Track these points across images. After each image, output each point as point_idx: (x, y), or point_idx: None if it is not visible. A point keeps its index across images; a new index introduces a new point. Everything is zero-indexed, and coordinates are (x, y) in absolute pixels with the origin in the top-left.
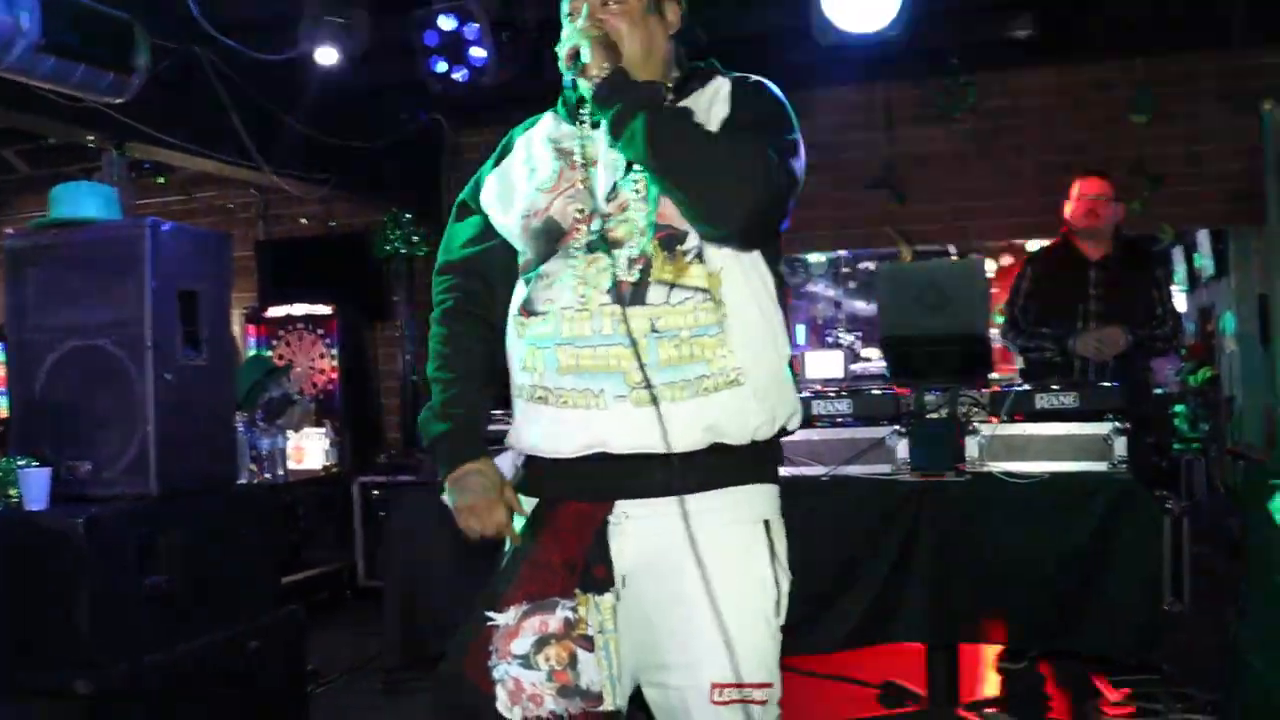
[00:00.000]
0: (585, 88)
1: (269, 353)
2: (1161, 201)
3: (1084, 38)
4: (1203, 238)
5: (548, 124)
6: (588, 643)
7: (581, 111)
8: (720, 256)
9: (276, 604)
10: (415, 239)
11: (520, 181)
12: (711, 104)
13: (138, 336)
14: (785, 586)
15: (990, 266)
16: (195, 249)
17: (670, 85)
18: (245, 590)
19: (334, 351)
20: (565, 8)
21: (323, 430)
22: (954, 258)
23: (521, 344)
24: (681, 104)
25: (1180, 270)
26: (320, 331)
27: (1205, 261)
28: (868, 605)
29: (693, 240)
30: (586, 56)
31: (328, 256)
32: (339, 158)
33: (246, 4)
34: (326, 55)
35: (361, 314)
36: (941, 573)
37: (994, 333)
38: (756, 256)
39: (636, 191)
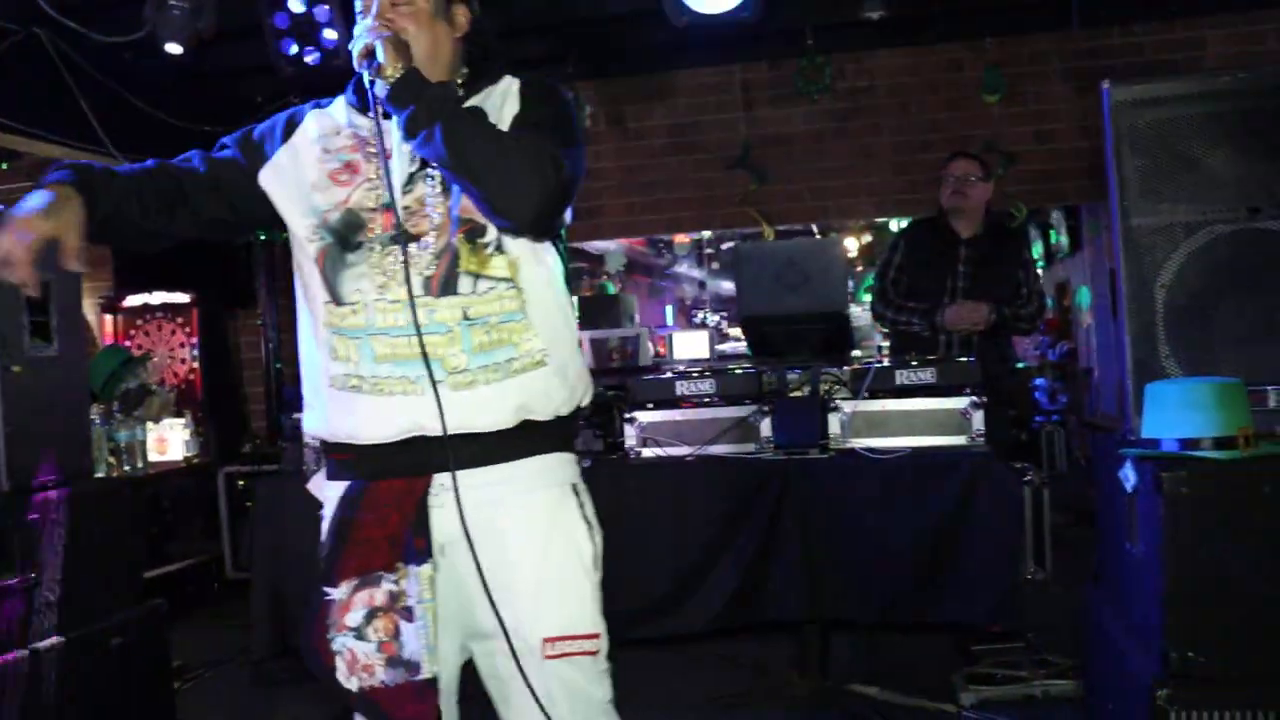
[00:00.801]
0: (381, 86)
1: (127, 343)
2: (1015, 180)
3: (935, 19)
4: (1058, 215)
5: (341, 109)
6: (409, 614)
7: (376, 103)
8: (516, 246)
9: (139, 599)
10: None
11: (312, 165)
12: (504, 102)
13: None
14: (599, 541)
15: (851, 245)
16: None
17: (460, 83)
18: (105, 586)
19: (194, 340)
20: (358, 4)
21: (184, 421)
22: (817, 236)
23: (329, 333)
24: (472, 101)
25: (1037, 247)
26: (180, 320)
27: (1061, 238)
28: (736, 584)
29: (492, 233)
30: (381, 56)
31: (186, 243)
32: (194, 142)
33: None
34: (172, 47)
35: (222, 302)
36: (807, 549)
37: (857, 310)
38: (546, 245)
39: (434, 186)
